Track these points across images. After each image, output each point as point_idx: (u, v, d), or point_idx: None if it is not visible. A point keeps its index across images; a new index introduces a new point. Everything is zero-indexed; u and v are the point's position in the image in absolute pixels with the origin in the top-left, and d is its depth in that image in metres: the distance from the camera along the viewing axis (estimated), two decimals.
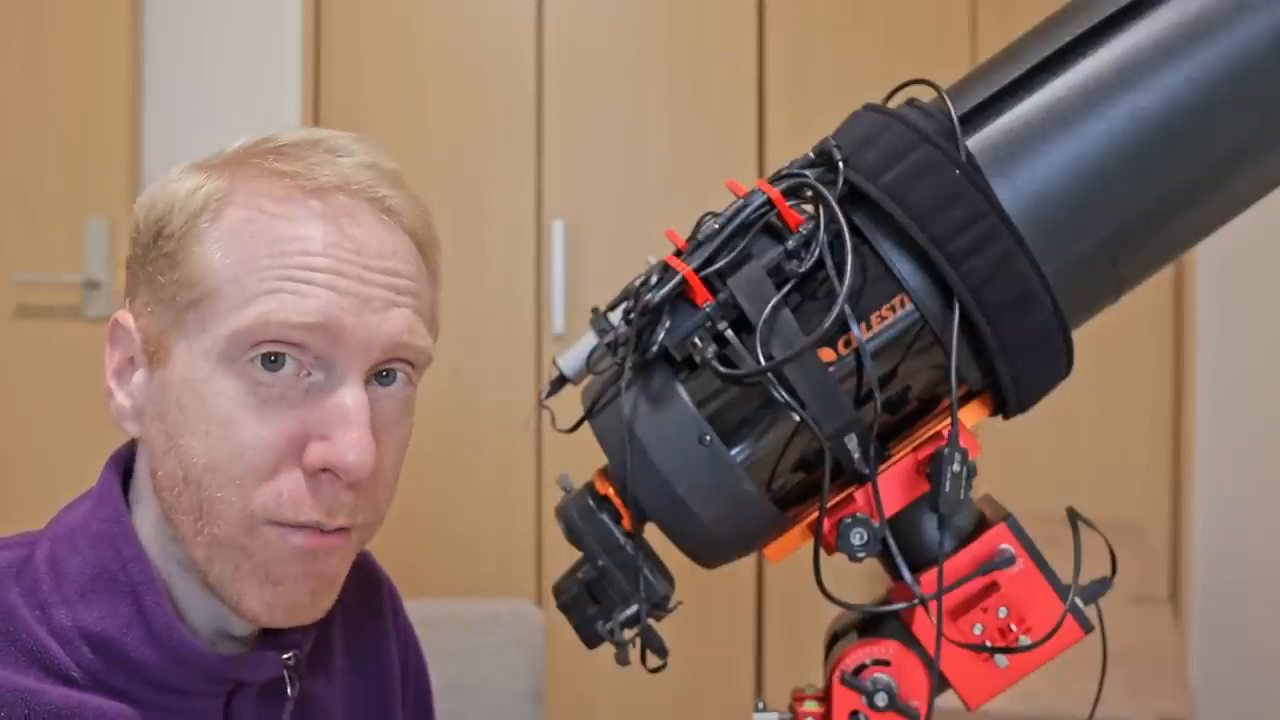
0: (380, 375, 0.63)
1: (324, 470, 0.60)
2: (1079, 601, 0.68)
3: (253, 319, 0.58)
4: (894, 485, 0.67)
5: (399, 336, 0.62)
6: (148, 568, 0.62)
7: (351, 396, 0.60)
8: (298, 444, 0.60)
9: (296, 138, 0.64)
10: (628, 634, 0.70)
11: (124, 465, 0.67)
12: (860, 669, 0.68)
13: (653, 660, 0.70)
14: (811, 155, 0.67)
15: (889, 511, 0.67)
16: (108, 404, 0.65)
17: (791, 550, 0.70)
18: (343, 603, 0.76)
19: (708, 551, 0.68)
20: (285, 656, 0.66)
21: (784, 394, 0.63)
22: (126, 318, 0.64)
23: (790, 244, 0.63)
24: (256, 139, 0.65)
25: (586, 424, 0.70)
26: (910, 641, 0.68)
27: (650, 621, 0.69)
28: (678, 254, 0.67)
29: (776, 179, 0.66)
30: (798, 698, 0.70)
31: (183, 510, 0.60)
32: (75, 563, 0.62)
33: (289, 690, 0.67)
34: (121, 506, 0.64)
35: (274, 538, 0.60)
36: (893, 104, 0.69)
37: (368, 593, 0.80)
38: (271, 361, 0.59)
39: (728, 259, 0.64)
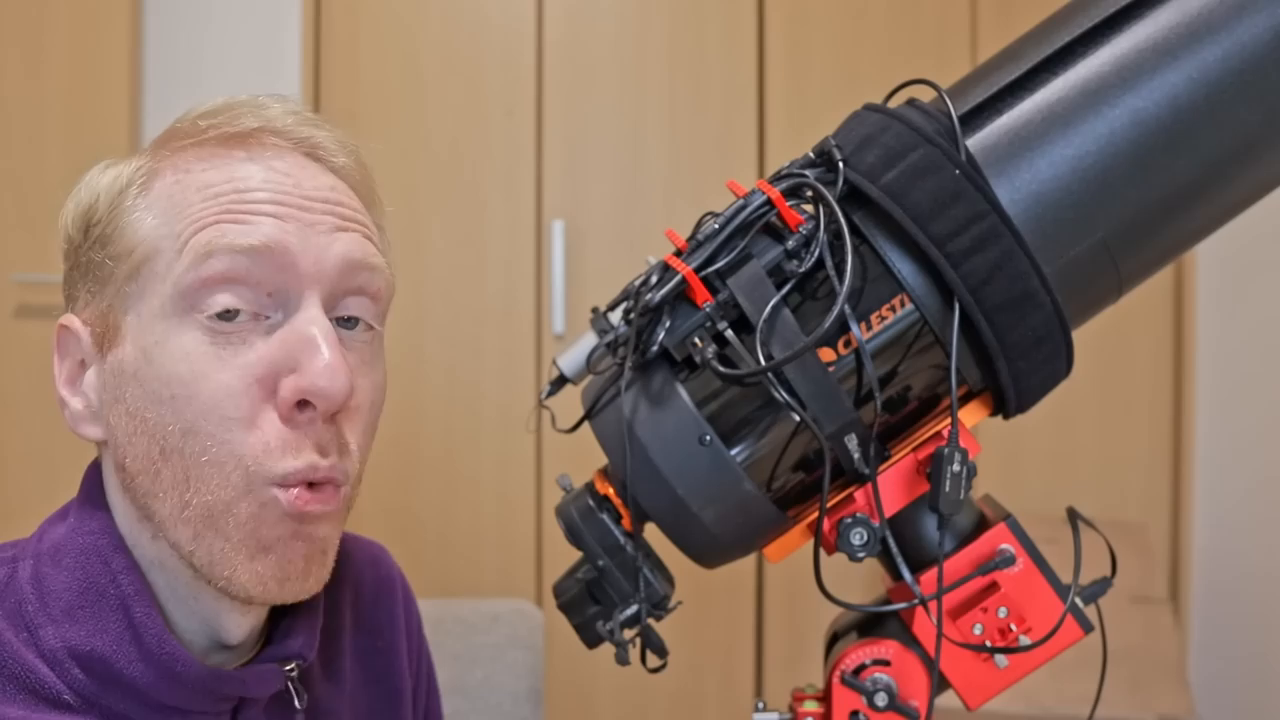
0: (343, 321, 0.61)
1: (300, 405, 0.57)
2: (1079, 601, 0.68)
3: (194, 254, 0.56)
4: (894, 485, 0.67)
5: (352, 255, 0.60)
6: (138, 579, 0.59)
7: (314, 321, 0.58)
8: (268, 387, 0.57)
9: (211, 106, 0.64)
10: (628, 634, 0.70)
11: (100, 477, 0.64)
12: (860, 669, 0.68)
13: (653, 660, 0.70)
14: (811, 155, 0.67)
15: (889, 511, 0.67)
16: (62, 415, 0.62)
17: (791, 550, 0.70)
18: (355, 609, 0.75)
19: (708, 552, 0.68)
20: (288, 668, 0.64)
21: (784, 394, 0.63)
22: (72, 320, 0.62)
23: (790, 244, 0.64)
24: (175, 119, 0.64)
25: (586, 424, 0.70)
26: (910, 641, 0.68)
27: (650, 621, 0.69)
28: (678, 254, 0.67)
29: (776, 179, 0.66)
30: (798, 698, 0.70)
31: (165, 488, 0.57)
32: (61, 579, 0.59)
33: (296, 703, 0.65)
34: (108, 518, 0.61)
35: (266, 498, 0.57)
36: (893, 104, 0.69)
37: (383, 596, 0.78)
38: (227, 313, 0.57)
39: (728, 259, 0.64)
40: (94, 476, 0.64)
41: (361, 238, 0.61)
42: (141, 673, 0.57)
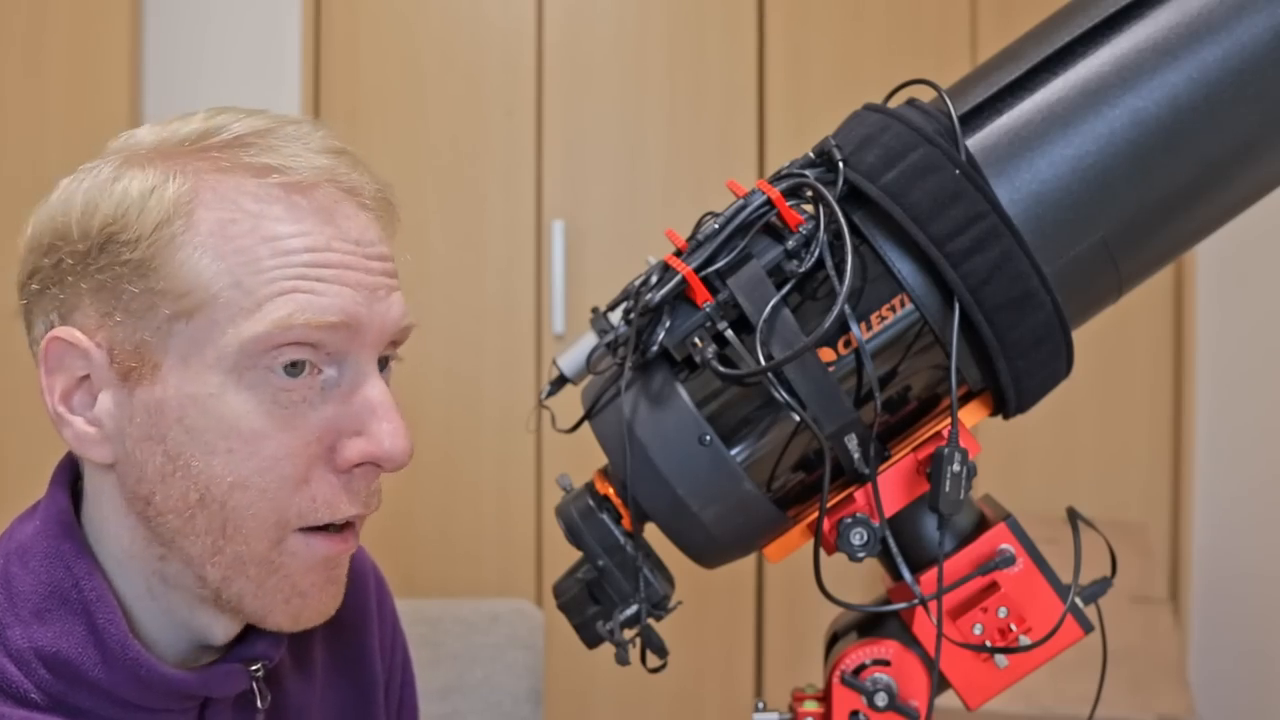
0: (380, 363, 0.63)
1: (359, 465, 0.60)
2: (1079, 601, 0.68)
3: (272, 324, 0.56)
4: (894, 485, 0.67)
5: (403, 321, 0.63)
6: (100, 584, 0.59)
7: (377, 388, 0.60)
8: (327, 444, 0.59)
9: (250, 127, 0.60)
10: (628, 634, 0.70)
11: (70, 478, 0.64)
12: (860, 669, 0.68)
13: (653, 660, 0.70)
14: (811, 155, 0.67)
15: (889, 511, 0.67)
16: (58, 431, 0.60)
17: (791, 550, 0.70)
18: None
19: (708, 551, 0.68)
20: (254, 669, 0.64)
21: (784, 394, 0.63)
22: (74, 335, 0.58)
23: (790, 244, 0.64)
24: (200, 129, 0.60)
25: (586, 424, 0.70)
26: (910, 641, 0.68)
27: (650, 621, 0.69)
28: (678, 254, 0.67)
29: (776, 179, 0.66)
30: (798, 698, 0.70)
31: (197, 532, 0.58)
32: (28, 580, 0.59)
33: (259, 703, 0.65)
34: (72, 522, 0.61)
35: (300, 548, 0.59)
36: (893, 104, 0.69)
37: (355, 588, 0.78)
38: (293, 367, 0.57)
39: (728, 259, 0.64)
40: (61, 477, 0.64)
41: (401, 294, 0.63)
42: (105, 675, 0.58)
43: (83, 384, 0.60)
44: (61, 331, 0.59)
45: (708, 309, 0.64)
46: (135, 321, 0.57)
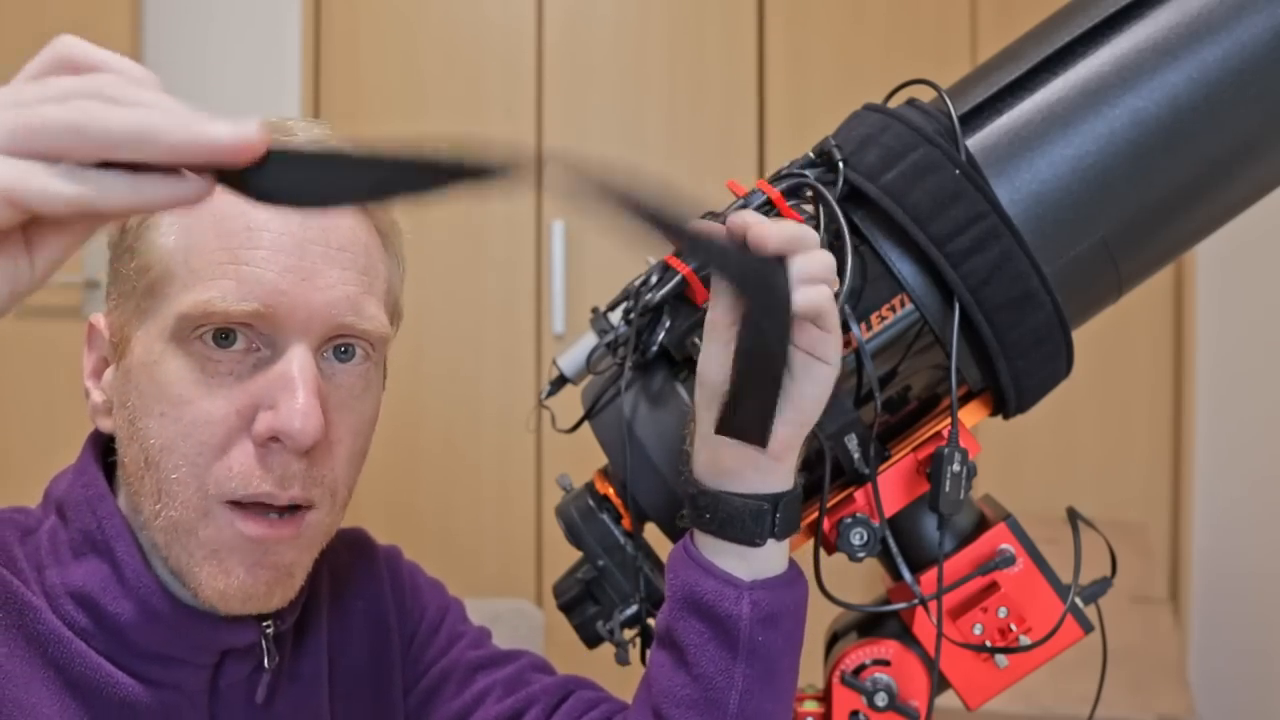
0: (339, 350, 0.63)
1: (273, 439, 0.60)
2: (1079, 601, 0.68)
3: (192, 305, 0.59)
4: (894, 485, 0.67)
5: (343, 317, 0.62)
6: (120, 524, 0.63)
7: (296, 363, 0.60)
8: (246, 417, 0.60)
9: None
10: (628, 634, 0.70)
11: (103, 444, 0.68)
12: (860, 669, 0.68)
13: None
14: (811, 155, 0.67)
15: (889, 511, 0.67)
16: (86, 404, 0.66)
17: (792, 550, 0.70)
18: (332, 581, 0.75)
19: None
20: (264, 625, 0.66)
21: None
22: (99, 320, 0.66)
23: None
24: None
25: (586, 424, 0.70)
26: (910, 641, 0.68)
27: (650, 621, 0.69)
28: (677, 254, 0.67)
29: (776, 179, 0.66)
30: (798, 698, 0.70)
31: (145, 494, 0.61)
32: (66, 529, 0.64)
33: (265, 661, 0.66)
34: (97, 473, 0.65)
35: (224, 522, 0.60)
36: (893, 104, 0.69)
37: (359, 564, 0.79)
38: (223, 338, 0.60)
39: None
40: (93, 439, 0.68)
41: (358, 293, 0.63)
42: (124, 609, 0.61)
43: (105, 364, 0.66)
44: (93, 317, 0.66)
45: (707, 308, 0.64)
46: (124, 301, 0.63)
